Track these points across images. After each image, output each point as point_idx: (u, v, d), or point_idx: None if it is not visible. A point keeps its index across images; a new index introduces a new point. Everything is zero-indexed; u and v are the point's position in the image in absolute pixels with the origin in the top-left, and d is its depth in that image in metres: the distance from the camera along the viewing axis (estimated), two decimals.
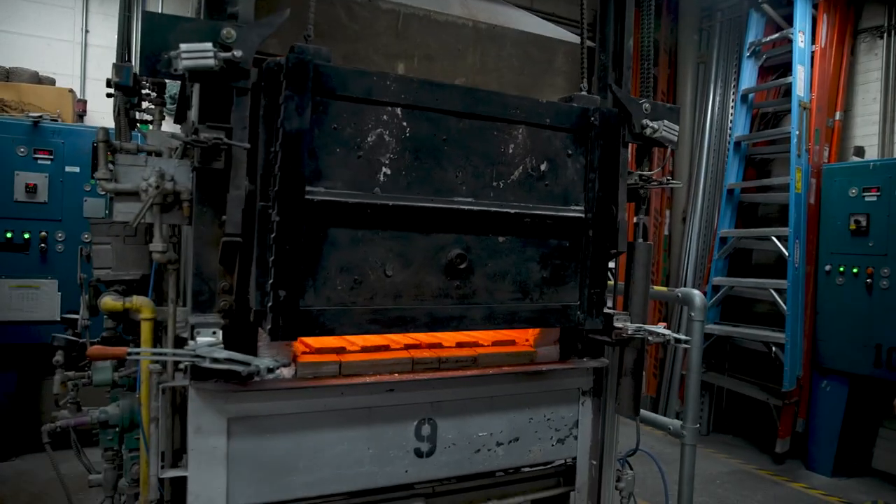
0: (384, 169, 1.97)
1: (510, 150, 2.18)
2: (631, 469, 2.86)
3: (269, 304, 1.80)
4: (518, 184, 2.21)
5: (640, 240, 2.54)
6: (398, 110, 1.98)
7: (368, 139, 1.94)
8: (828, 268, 5.74)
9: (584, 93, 2.44)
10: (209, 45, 1.72)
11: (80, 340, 2.81)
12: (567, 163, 2.30)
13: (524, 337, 2.64)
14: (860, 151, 6.04)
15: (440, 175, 2.06)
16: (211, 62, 1.71)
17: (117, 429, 2.35)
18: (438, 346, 2.48)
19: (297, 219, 1.81)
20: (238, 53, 1.76)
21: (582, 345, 2.61)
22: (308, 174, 1.83)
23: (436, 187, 2.06)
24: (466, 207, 2.10)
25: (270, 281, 1.79)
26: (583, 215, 2.32)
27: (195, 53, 1.71)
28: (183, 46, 1.70)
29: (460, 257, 2.09)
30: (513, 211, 2.18)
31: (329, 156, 1.89)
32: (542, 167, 2.25)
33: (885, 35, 6.01)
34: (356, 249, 1.94)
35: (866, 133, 6.14)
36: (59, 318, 4.91)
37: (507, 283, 2.22)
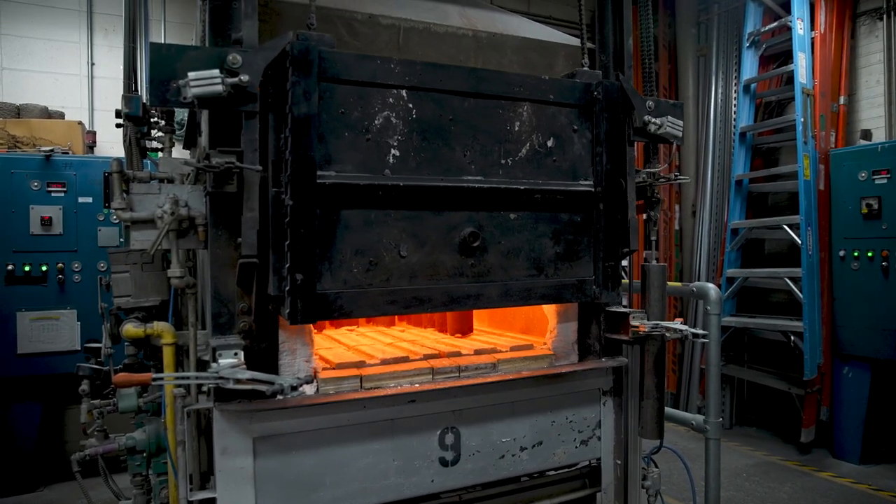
0: (393, 151, 2.01)
1: (516, 128, 2.22)
2: (656, 467, 2.85)
3: (287, 288, 1.83)
4: (526, 161, 2.24)
5: (654, 260, 2.54)
6: (403, 92, 2.02)
7: (376, 122, 1.99)
8: (842, 253, 5.69)
9: (585, 68, 2.46)
10: (216, 72, 1.75)
11: (104, 369, 2.85)
12: (573, 138, 2.33)
13: (542, 341, 2.65)
14: (867, 134, 5.99)
15: (448, 155, 2.10)
16: (219, 88, 1.75)
17: (145, 454, 2.38)
18: (457, 354, 2.49)
19: (309, 203, 1.85)
20: (245, 78, 1.79)
21: (600, 344, 2.61)
22: (318, 158, 1.88)
23: (445, 167, 2.10)
24: (477, 185, 2.13)
25: (287, 265, 1.83)
26: (592, 189, 2.35)
27: (203, 81, 1.74)
28: (191, 74, 1.74)
29: (473, 235, 2.12)
30: (523, 187, 2.22)
31: (338, 140, 1.93)
32: (549, 143, 2.28)
33: (885, 16, 5.98)
34: (370, 231, 1.98)
35: (872, 116, 6.10)
36: (79, 348, 4.96)
37: (521, 260, 2.25)
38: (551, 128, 2.28)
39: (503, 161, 2.20)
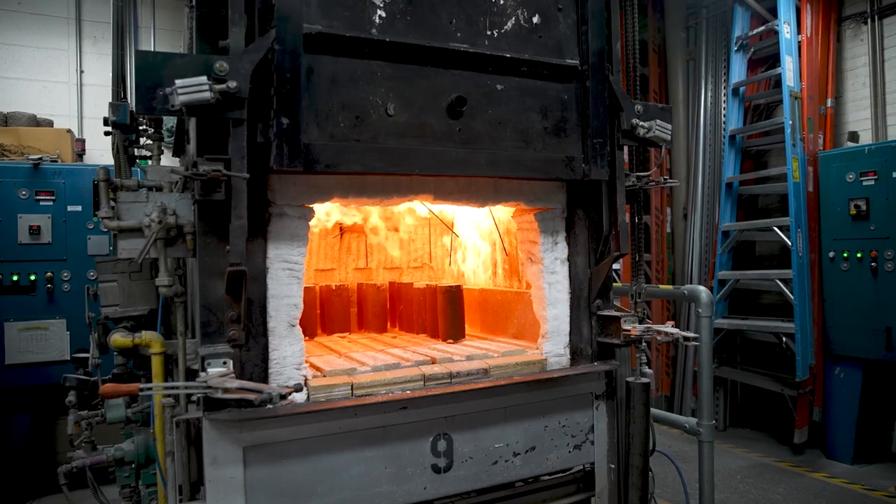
0: (379, 11, 2.08)
1: (501, 1, 2.30)
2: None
3: (273, 132, 1.87)
4: (512, 35, 2.32)
5: (639, 378, 2.56)
6: None
7: None
8: (832, 254, 5.73)
9: None
10: (204, 79, 1.74)
11: (92, 379, 2.82)
12: (559, 16, 2.42)
13: (534, 346, 2.65)
14: (854, 136, 6.05)
15: (434, 21, 2.17)
16: (207, 95, 1.74)
17: (133, 465, 2.35)
18: (449, 360, 2.48)
19: (295, 49, 1.89)
20: (233, 85, 1.79)
21: (592, 348, 2.61)
22: (303, 11, 1.93)
23: (431, 32, 2.17)
24: (463, 49, 2.20)
25: (273, 109, 1.87)
26: (578, 66, 2.42)
27: (191, 88, 1.73)
28: (178, 82, 1.73)
29: (460, 100, 2.16)
30: (509, 55, 2.28)
31: None
32: (535, 20, 2.36)
33: (869, 20, 6.04)
34: (356, 87, 2.04)
35: (859, 118, 6.16)
36: (69, 358, 4.91)
37: (508, 132, 2.31)
38: (536, 4, 2.36)
39: (489, 32, 2.27)
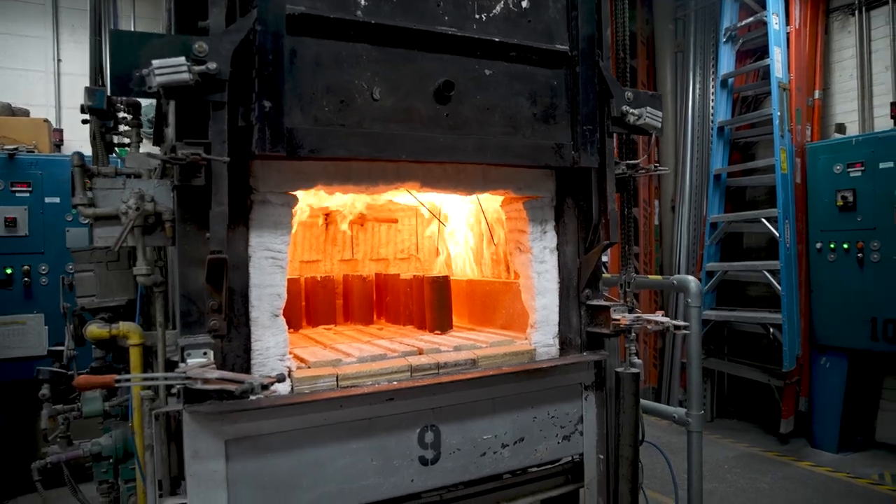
0: None
1: None
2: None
3: (255, 115, 1.81)
4: (501, 19, 2.28)
5: (628, 368, 2.54)
6: None
7: None
8: (819, 245, 5.76)
9: None
10: (182, 60, 1.68)
11: (68, 372, 2.74)
12: (548, 1, 2.39)
13: (522, 336, 2.61)
14: (841, 128, 6.07)
15: (421, 4, 2.13)
16: (185, 76, 1.68)
17: (111, 460, 2.29)
18: (437, 350, 2.44)
19: (277, 31, 1.84)
20: (212, 66, 1.72)
21: (581, 338, 2.58)
22: None
23: (418, 16, 2.12)
24: (451, 33, 2.15)
25: (255, 92, 1.82)
26: (568, 51, 2.38)
27: (169, 69, 1.67)
28: (155, 62, 1.67)
29: (448, 85, 2.12)
30: (497, 39, 2.24)
31: None
32: (524, 4, 2.33)
33: (857, 12, 6.05)
34: (341, 70, 1.99)
35: (846, 110, 6.18)
36: (47, 353, 4.81)
37: (497, 117, 2.27)
38: None
39: (477, 16, 2.22)
